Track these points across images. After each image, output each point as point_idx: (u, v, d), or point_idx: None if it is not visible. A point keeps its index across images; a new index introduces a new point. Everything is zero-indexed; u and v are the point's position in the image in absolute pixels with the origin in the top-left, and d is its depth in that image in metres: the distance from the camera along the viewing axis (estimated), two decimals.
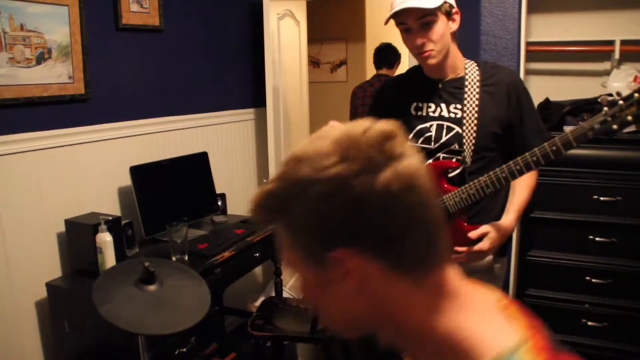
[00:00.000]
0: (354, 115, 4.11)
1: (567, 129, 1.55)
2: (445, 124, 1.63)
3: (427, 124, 1.65)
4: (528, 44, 2.82)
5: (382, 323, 0.64)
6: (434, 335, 0.61)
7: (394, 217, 0.58)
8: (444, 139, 1.63)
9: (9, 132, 2.07)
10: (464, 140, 1.59)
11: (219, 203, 2.92)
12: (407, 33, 1.57)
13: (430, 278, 0.62)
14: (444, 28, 1.54)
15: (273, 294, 2.99)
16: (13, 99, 2.05)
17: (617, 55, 2.70)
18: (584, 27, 2.80)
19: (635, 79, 2.54)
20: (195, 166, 2.84)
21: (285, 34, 3.28)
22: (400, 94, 1.73)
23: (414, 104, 1.69)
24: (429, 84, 1.67)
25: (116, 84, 2.51)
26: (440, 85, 1.65)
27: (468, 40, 2.75)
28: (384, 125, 0.60)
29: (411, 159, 0.59)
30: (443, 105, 1.65)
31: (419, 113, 1.68)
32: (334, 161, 0.57)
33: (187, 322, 1.57)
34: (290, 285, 3.43)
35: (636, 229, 2.36)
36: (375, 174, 0.57)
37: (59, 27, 2.18)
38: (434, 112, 1.66)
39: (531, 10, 2.82)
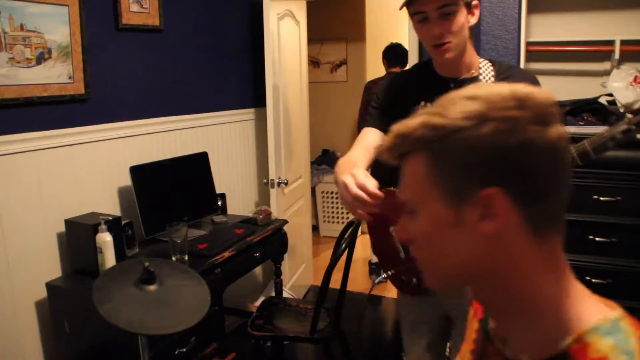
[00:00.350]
0: (365, 110, 4.11)
1: (585, 141, 1.38)
2: None
3: None
4: (528, 44, 2.82)
5: (489, 278, 0.64)
6: (538, 299, 0.63)
7: (552, 171, 0.61)
8: None
9: (9, 132, 2.07)
10: None
11: (219, 203, 2.92)
12: (423, 23, 1.44)
13: (550, 243, 0.64)
14: (463, 20, 1.43)
15: (273, 294, 2.99)
16: (13, 99, 2.05)
17: (617, 55, 2.70)
18: (584, 27, 2.80)
19: (635, 79, 2.54)
20: (195, 166, 2.84)
21: (285, 34, 3.28)
22: (409, 91, 1.61)
23: (422, 104, 1.57)
24: (440, 83, 1.54)
25: (116, 84, 2.51)
26: (452, 86, 1.52)
27: None
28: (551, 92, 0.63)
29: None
30: None
31: None
32: (511, 105, 0.60)
33: (187, 322, 1.57)
34: (291, 285, 3.44)
35: (636, 229, 2.36)
36: (546, 127, 0.61)
37: (59, 27, 2.18)
38: None
39: (531, 10, 2.82)
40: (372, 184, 1.25)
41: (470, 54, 1.52)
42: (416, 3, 1.42)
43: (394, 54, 4.15)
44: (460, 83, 1.50)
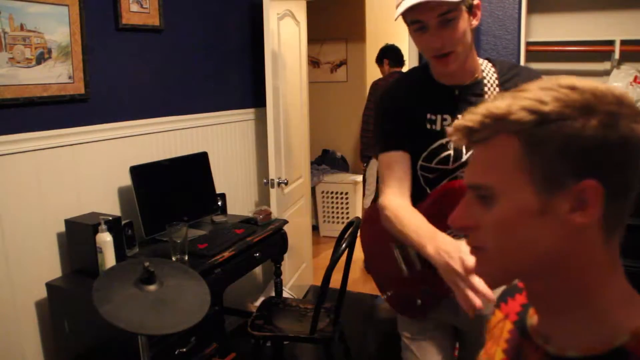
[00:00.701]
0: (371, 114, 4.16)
1: None
2: None
3: (444, 140, 1.41)
4: (528, 44, 2.82)
5: (559, 271, 0.64)
6: (600, 296, 0.63)
7: (635, 168, 0.62)
8: (464, 157, 1.40)
9: (9, 132, 2.07)
10: None
11: (219, 203, 2.92)
12: (421, 32, 1.30)
13: (614, 242, 0.64)
14: (465, 25, 1.30)
15: (273, 294, 2.99)
16: (13, 99, 2.05)
17: (617, 55, 2.70)
18: (584, 27, 2.80)
19: (635, 79, 2.54)
20: (195, 166, 2.84)
21: (285, 34, 3.28)
22: (410, 104, 1.45)
23: (427, 116, 1.43)
24: (442, 92, 1.42)
25: (116, 84, 2.51)
26: (456, 93, 1.41)
27: None
28: None
29: None
30: (461, 117, 1.46)
31: (433, 127, 1.42)
32: (612, 100, 0.60)
33: (187, 322, 1.57)
34: (291, 285, 3.44)
35: (636, 229, 2.36)
36: (638, 125, 0.61)
37: (59, 27, 2.18)
38: (450, 125, 1.39)
39: (531, 10, 2.82)
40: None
41: (473, 57, 1.41)
42: (413, 12, 1.27)
43: (395, 54, 4.17)
44: (465, 89, 1.41)
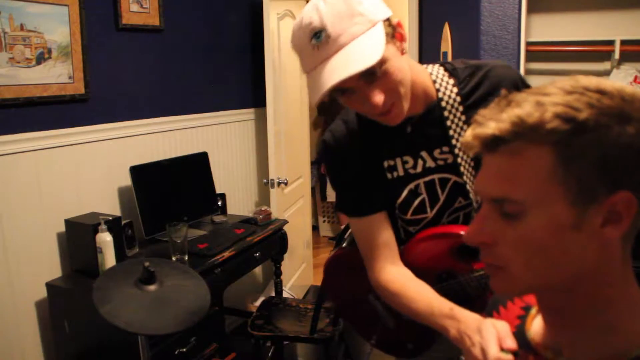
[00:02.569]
0: None
1: None
2: (436, 177, 1.18)
3: (412, 186, 1.18)
4: (528, 44, 2.82)
5: (583, 285, 0.61)
6: (618, 308, 0.61)
7: None
8: (441, 198, 1.19)
9: (9, 132, 2.07)
10: (468, 188, 1.16)
11: (219, 203, 2.92)
12: (349, 95, 1.03)
13: (628, 249, 0.62)
14: (397, 61, 1.01)
15: (273, 294, 2.99)
16: (13, 99, 2.05)
17: (617, 55, 2.70)
18: (584, 27, 2.80)
19: (635, 79, 2.54)
20: (195, 166, 2.84)
21: (285, 34, 3.28)
22: (362, 154, 1.18)
23: (385, 164, 1.18)
24: (392, 132, 1.15)
25: (116, 84, 2.51)
26: (409, 129, 1.15)
27: (468, 40, 2.76)
28: None
29: None
30: (424, 154, 1.17)
31: (395, 174, 1.18)
32: None
33: (187, 322, 1.57)
34: (291, 285, 3.44)
35: None
36: None
37: (59, 27, 2.18)
38: (414, 167, 1.18)
39: (531, 10, 2.82)
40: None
41: (417, 83, 1.11)
42: (336, 84, 0.96)
43: None
44: (420, 121, 1.15)
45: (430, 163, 1.17)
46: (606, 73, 2.76)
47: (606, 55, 2.78)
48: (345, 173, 1.22)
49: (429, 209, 1.19)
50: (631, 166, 0.56)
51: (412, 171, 1.18)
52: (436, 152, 1.17)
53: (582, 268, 0.60)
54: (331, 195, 4.75)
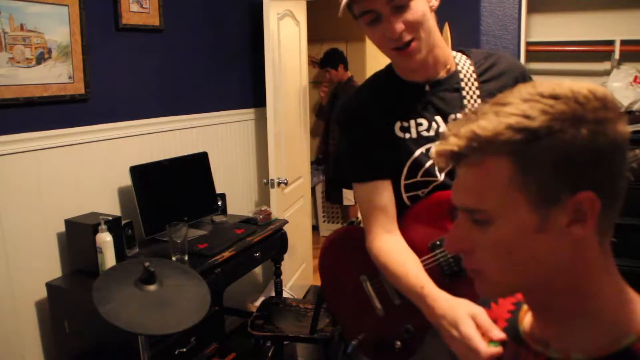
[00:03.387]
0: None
1: None
2: None
3: (423, 149, 1.22)
4: (528, 44, 2.82)
5: (561, 283, 0.63)
6: (602, 300, 0.63)
7: (623, 171, 0.61)
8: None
9: (9, 132, 2.07)
10: None
11: (219, 203, 2.92)
12: (374, 24, 1.14)
13: (607, 242, 0.64)
14: (423, 6, 1.12)
15: (273, 294, 2.99)
16: (13, 99, 2.05)
17: (617, 55, 2.70)
18: (584, 27, 2.80)
19: (635, 79, 2.54)
20: (195, 166, 2.84)
21: (285, 34, 3.28)
22: (376, 114, 1.25)
23: (398, 124, 1.23)
24: (411, 91, 1.22)
25: (116, 84, 2.51)
26: (427, 89, 1.22)
27: (468, 40, 2.76)
28: None
29: None
30: (438, 118, 1.21)
31: (407, 135, 1.22)
32: (599, 105, 0.59)
33: (187, 322, 1.57)
34: (291, 285, 3.44)
35: (636, 229, 2.36)
36: (623, 126, 0.60)
37: (59, 27, 2.18)
38: (427, 130, 1.22)
39: (531, 10, 2.82)
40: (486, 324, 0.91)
41: (441, 45, 1.21)
42: (360, 2, 1.12)
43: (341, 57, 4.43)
44: (438, 84, 1.23)
45: (443, 128, 1.20)
46: (606, 73, 2.76)
47: (606, 55, 2.79)
48: (357, 132, 1.27)
49: (438, 174, 1.22)
50: (589, 167, 0.59)
51: (425, 134, 1.22)
52: (450, 118, 1.20)
53: (557, 266, 0.62)
54: (334, 197, 4.75)
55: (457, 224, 0.67)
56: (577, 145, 0.58)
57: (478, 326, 0.93)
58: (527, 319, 0.75)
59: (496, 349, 0.88)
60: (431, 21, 1.16)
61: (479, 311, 0.97)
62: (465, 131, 0.61)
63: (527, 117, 0.58)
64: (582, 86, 0.60)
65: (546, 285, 0.64)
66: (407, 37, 1.12)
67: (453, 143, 0.61)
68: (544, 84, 0.62)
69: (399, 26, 1.10)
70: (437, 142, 0.65)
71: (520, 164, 0.59)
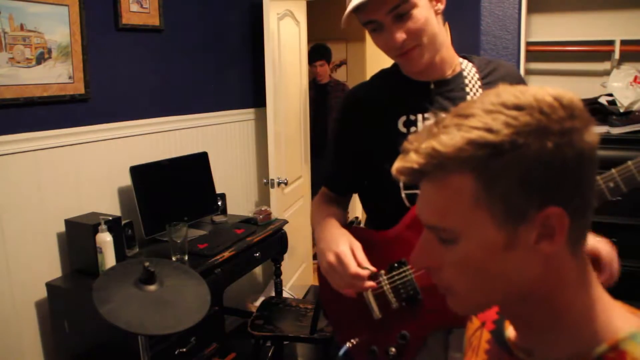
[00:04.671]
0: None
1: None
2: None
3: None
4: (528, 44, 2.82)
5: (534, 297, 0.62)
6: (574, 311, 0.62)
7: (591, 181, 0.59)
8: None
9: (9, 132, 2.07)
10: None
11: (219, 203, 2.92)
12: (378, 32, 1.18)
13: (582, 254, 0.62)
14: (426, 13, 1.14)
15: (273, 294, 2.99)
16: (13, 99, 2.05)
17: (617, 55, 2.70)
18: (584, 27, 2.80)
19: (635, 79, 2.54)
20: (195, 166, 2.84)
21: (285, 34, 3.28)
22: (377, 107, 1.29)
23: (403, 118, 1.26)
24: (417, 88, 1.26)
25: (116, 84, 2.51)
26: (432, 87, 1.25)
27: (468, 40, 2.76)
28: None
29: None
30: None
31: (412, 129, 1.25)
32: (564, 115, 0.56)
33: (187, 322, 1.57)
34: (291, 285, 3.44)
35: (636, 229, 2.36)
36: (591, 134, 0.57)
37: (59, 27, 2.18)
38: None
39: (531, 10, 2.82)
40: (361, 257, 1.14)
41: (447, 48, 1.24)
42: (362, 13, 1.15)
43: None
44: (443, 84, 1.25)
45: None
46: (606, 73, 2.76)
47: (606, 55, 2.79)
48: (356, 114, 1.31)
49: None
50: (555, 181, 0.56)
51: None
52: None
53: (529, 282, 0.60)
54: None
55: (423, 241, 0.64)
56: (542, 159, 0.55)
57: (354, 256, 1.13)
58: (511, 327, 0.74)
59: (363, 271, 1.08)
60: (435, 25, 1.17)
61: (357, 245, 1.16)
62: (425, 147, 0.57)
63: (489, 130, 0.55)
64: (547, 93, 0.57)
65: (519, 300, 0.63)
66: (409, 45, 1.15)
67: (413, 160, 0.58)
68: (507, 91, 0.59)
69: (400, 35, 1.13)
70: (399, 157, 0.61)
71: (484, 180, 0.56)
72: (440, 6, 1.19)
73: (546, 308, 0.62)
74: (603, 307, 0.62)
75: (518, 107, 0.56)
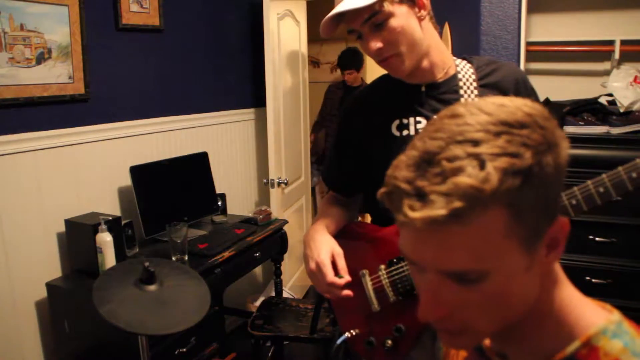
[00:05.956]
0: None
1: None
2: None
3: None
4: (528, 44, 2.82)
5: (529, 306, 0.60)
6: (545, 311, 0.61)
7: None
8: None
9: (9, 132, 2.07)
10: None
11: (219, 203, 2.92)
12: (360, 40, 1.22)
13: (553, 256, 0.62)
14: (404, 21, 1.16)
15: (273, 294, 2.99)
16: (13, 99, 2.05)
17: (617, 55, 2.70)
18: (584, 27, 2.80)
19: (635, 79, 2.54)
20: (195, 166, 2.84)
21: (285, 34, 3.28)
22: (375, 110, 1.32)
23: (396, 122, 1.27)
24: (408, 91, 1.27)
25: (116, 84, 2.51)
26: (423, 89, 1.26)
27: (468, 40, 2.76)
28: None
29: None
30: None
31: (405, 132, 1.26)
32: (551, 125, 0.55)
33: (187, 322, 1.57)
34: (291, 285, 3.44)
35: (636, 229, 2.36)
36: (564, 136, 0.57)
37: (59, 27, 2.18)
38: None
39: (531, 10, 2.82)
40: (341, 265, 1.22)
41: (437, 51, 1.25)
42: (342, 21, 1.19)
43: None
44: (435, 86, 1.26)
45: None
46: (606, 73, 2.76)
47: (606, 55, 2.79)
48: (353, 118, 1.35)
49: None
50: (557, 191, 0.56)
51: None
52: None
53: (536, 294, 0.60)
54: None
55: (431, 292, 0.57)
56: (550, 173, 0.54)
57: (334, 262, 1.21)
58: None
59: (340, 280, 1.19)
60: (417, 32, 1.18)
61: (339, 252, 1.24)
62: (457, 187, 0.50)
63: (513, 155, 0.51)
64: (526, 105, 0.55)
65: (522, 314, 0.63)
66: (387, 53, 1.18)
67: (443, 206, 0.50)
68: (487, 107, 0.55)
69: (375, 44, 1.17)
70: (404, 211, 0.53)
71: (515, 210, 0.52)
72: (424, 12, 1.20)
73: (528, 317, 0.62)
74: (575, 304, 0.63)
75: (522, 125, 0.53)
